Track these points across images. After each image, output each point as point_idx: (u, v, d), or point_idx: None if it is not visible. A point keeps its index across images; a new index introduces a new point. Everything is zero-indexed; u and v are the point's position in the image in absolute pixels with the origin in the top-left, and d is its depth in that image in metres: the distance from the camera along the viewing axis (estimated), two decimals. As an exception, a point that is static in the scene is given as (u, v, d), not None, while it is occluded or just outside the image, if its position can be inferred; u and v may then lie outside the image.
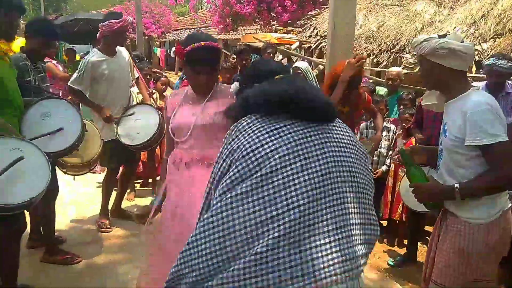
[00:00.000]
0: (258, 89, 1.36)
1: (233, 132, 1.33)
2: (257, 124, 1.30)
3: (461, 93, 1.91)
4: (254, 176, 1.20)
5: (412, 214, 3.62)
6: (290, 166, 1.21)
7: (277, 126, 1.28)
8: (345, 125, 1.42)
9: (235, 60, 5.18)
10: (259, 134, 1.26)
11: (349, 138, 1.37)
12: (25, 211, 2.54)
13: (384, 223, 4.24)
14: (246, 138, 1.27)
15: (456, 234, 1.93)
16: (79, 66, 3.69)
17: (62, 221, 4.03)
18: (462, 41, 1.91)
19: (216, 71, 2.13)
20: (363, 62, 3.12)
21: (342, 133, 1.36)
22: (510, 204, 1.97)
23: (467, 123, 1.81)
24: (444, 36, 1.91)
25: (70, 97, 3.97)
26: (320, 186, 1.21)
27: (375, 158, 4.16)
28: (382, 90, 4.96)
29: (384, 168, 4.11)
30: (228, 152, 1.28)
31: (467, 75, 2.03)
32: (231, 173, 1.23)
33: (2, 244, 2.51)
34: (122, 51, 3.91)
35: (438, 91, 2.07)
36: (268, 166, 1.21)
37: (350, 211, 1.25)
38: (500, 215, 1.90)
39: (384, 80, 5.03)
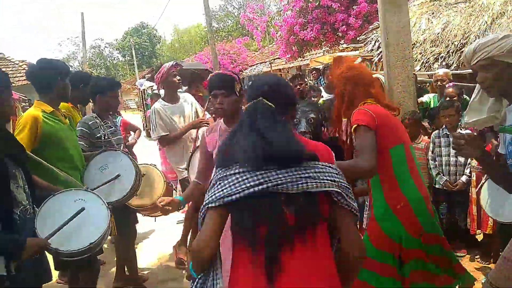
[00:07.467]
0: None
1: None
2: None
3: None
4: None
5: (502, 225, 3.24)
6: None
7: None
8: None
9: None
10: None
11: None
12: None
13: (479, 237, 3.89)
14: None
15: None
16: (150, 118, 4.06)
17: (144, 260, 4.35)
18: None
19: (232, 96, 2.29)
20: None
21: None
22: None
23: None
24: None
25: None
26: None
27: (453, 168, 3.85)
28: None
29: (464, 178, 3.76)
30: None
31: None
32: None
33: (82, 284, 2.85)
34: (187, 98, 4.22)
35: (501, 99, 1.77)
36: None
37: None
38: None
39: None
